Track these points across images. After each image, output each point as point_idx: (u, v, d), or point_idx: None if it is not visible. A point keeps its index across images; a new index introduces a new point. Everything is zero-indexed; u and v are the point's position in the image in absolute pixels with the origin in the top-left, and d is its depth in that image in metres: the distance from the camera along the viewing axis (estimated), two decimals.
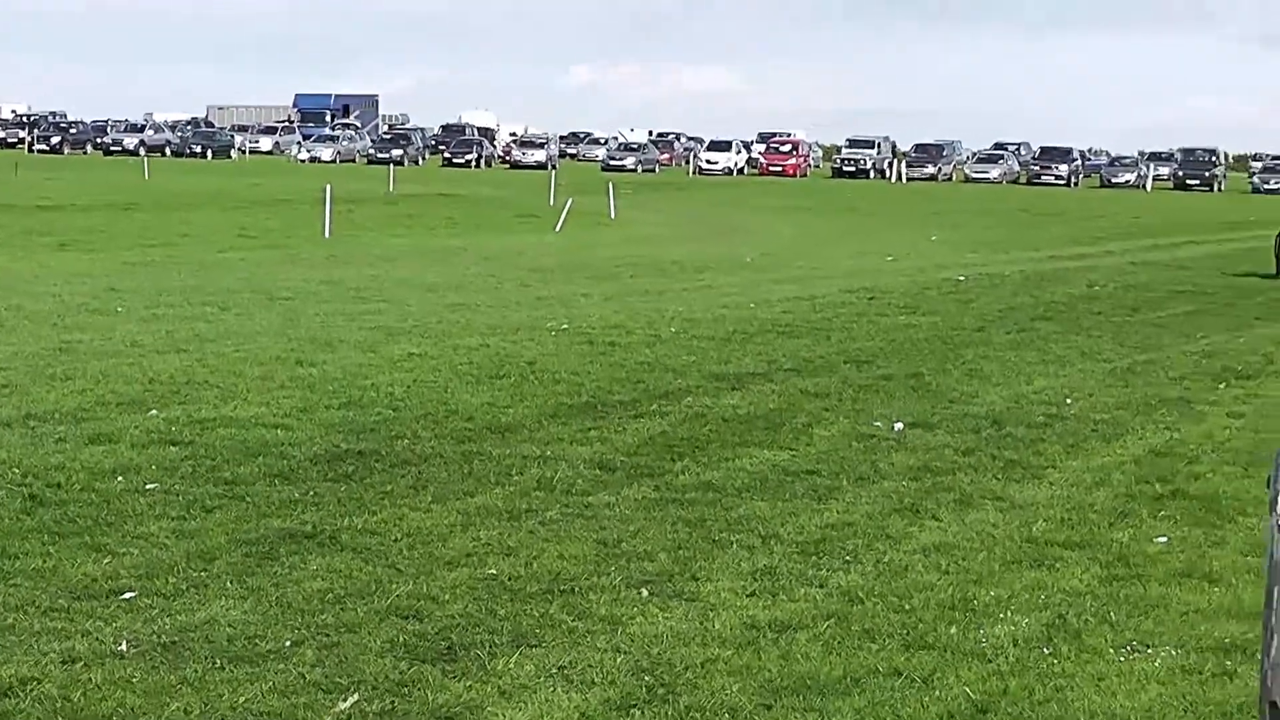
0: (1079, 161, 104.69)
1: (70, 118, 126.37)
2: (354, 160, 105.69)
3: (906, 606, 8.92)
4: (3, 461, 11.86)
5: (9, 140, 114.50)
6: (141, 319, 21.21)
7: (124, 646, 7.91)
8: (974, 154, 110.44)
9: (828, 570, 9.65)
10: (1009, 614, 8.81)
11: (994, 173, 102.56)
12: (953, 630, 8.50)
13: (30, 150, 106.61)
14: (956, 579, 9.50)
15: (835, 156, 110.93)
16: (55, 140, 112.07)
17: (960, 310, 24.82)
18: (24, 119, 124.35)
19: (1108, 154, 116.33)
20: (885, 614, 8.77)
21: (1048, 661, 8.09)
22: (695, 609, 8.80)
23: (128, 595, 8.76)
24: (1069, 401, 16.00)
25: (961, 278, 30.82)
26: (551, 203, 54.68)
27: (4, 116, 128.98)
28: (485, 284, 28.27)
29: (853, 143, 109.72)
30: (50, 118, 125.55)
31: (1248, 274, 32.80)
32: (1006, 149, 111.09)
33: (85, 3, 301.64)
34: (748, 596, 9.06)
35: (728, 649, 8.13)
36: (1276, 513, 3.28)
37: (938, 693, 7.60)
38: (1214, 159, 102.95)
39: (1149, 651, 8.27)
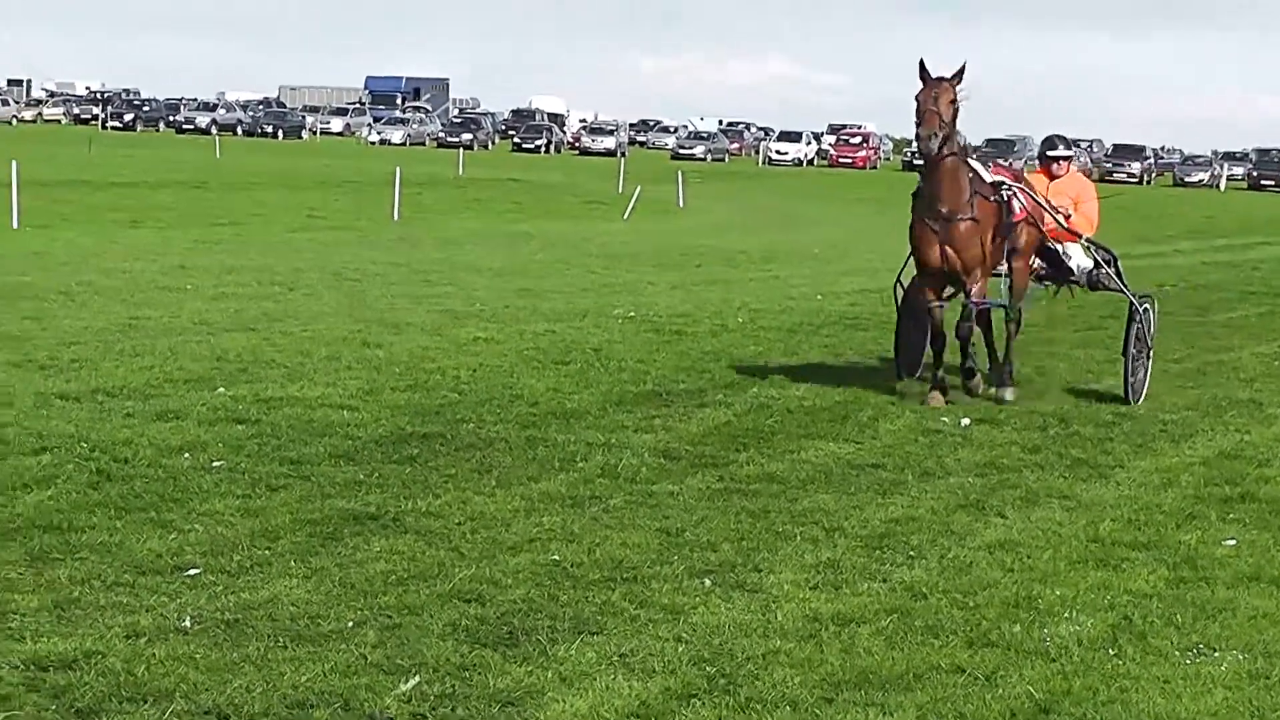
0: (1152, 159, 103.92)
1: (143, 95, 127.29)
2: (424, 143, 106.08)
3: (970, 603, 8.86)
4: (71, 436, 11.94)
5: (83, 117, 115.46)
6: (210, 297, 21.33)
7: (187, 622, 7.94)
8: None
9: (891, 565, 9.60)
10: (1074, 614, 8.74)
11: None
12: (1016, 628, 8.44)
13: (104, 127, 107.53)
14: (1021, 577, 9.43)
15: (906, 149, 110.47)
16: (128, 117, 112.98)
17: (1029, 306, 24.60)
18: (98, 96, 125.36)
19: (1181, 152, 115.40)
20: (948, 610, 8.72)
21: (1112, 663, 8.02)
22: (757, 600, 8.77)
23: (192, 571, 8.80)
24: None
25: None
26: (620, 190, 54.70)
27: (78, 93, 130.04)
28: (552, 270, 28.30)
29: None
30: (124, 95, 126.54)
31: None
32: (1079, 145, 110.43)
33: None
34: (810, 589, 9.02)
35: (789, 641, 8.10)
36: None
37: (1000, 691, 7.55)
38: None
39: (1215, 655, 8.18)
